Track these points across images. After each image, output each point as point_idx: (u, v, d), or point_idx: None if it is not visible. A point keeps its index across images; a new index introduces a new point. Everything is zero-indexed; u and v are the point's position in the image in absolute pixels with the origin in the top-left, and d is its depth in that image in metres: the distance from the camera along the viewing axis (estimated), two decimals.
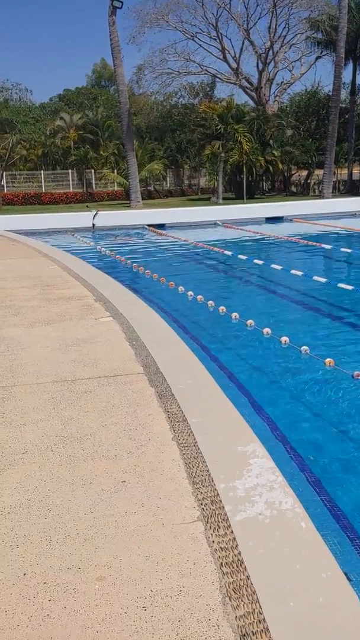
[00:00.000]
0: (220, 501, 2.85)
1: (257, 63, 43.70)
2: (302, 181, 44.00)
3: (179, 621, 2.13)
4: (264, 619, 2.13)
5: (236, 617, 2.15)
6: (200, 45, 43.50)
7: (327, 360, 5.95)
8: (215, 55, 43.87)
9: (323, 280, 10.34)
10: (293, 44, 43.81)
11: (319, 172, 40.49)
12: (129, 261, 12.74)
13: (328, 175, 33.57)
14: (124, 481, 3.08)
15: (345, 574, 2.36)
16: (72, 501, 2.91)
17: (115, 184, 41.62)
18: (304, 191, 42.54)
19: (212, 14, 41.96)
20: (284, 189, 41.93)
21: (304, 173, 43.70)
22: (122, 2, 30.23)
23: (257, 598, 2.22)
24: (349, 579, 2.36)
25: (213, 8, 41.73)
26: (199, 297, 8.93)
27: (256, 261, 12.84)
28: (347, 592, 2.25)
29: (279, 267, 11.50)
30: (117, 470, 3.18)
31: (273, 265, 11.76)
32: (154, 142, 44.08)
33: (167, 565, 2.42)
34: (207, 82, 48.67)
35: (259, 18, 43.05)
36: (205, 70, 44.69)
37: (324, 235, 18.52)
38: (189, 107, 47.07)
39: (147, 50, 67.08)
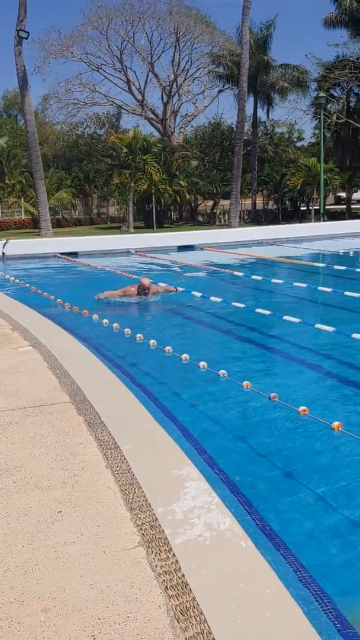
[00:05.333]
0: (160, 525, 2.86)
1: (162, 95, 44.74)
2: (209, 211, 45.06)
3: None
4: (213, 639, 2.15)
5: (186, 638, 2.16)
6: (105, 76, 44.02)
7: (245, 382, 6.07)
8: (120, 87, 44.52)
9: (240, 305, 10.59)
10: (196, 77, 45.12)
11: (224, 202, 41.64)
12: (39, 290, 12.54)
13: (235, 205, 34.52)
14: (60, 511, 3.03)
15: None
16: (9, 534, 2.83)
17: (23, 212, 41.09)
18: (211, 220, 43.56)
19: (117, 46, 42.67)
20: (192, 219, 42.79)
21: (210, 203, 44.77)
22: (28, 33, 30.20)
23: (205, 619, 2.24)
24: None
25: (117, 41, 42.46)
26: (115, 325, 8.88)
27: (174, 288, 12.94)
28: (292, 607, 2.31)
29: (198, 294, 11.68)
30: (52, 501, 3.14)
31: (193, 292, 11.92)
32: (61, 171, 43.95)
33: (112, 592, 2.41)
34: (113, 112, 49.30)
35: (162, 52, 44.11)
36: (111, 101, 45.18)
37: (235, 263, 19.01)
38: (95, 137, 47.41)
39: (53, 80, 67.14)
